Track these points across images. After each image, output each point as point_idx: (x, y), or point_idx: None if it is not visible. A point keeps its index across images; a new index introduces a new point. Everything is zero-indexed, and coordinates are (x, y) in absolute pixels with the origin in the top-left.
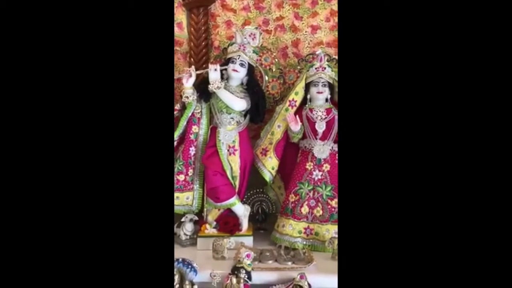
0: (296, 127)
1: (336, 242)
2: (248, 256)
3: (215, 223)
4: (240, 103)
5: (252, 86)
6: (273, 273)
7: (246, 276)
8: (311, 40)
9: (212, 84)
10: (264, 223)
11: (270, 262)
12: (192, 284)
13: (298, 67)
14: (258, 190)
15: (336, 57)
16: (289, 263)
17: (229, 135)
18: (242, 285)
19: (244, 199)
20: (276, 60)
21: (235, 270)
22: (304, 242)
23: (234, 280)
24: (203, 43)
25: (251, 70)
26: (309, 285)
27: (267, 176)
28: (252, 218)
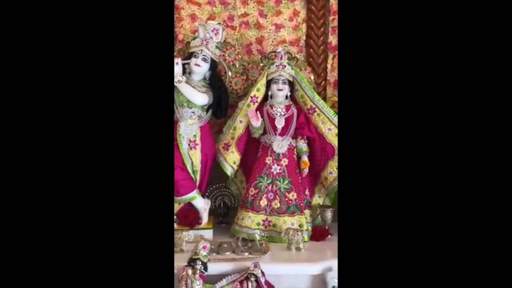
0: (256, 122)
1: (291, 232)
2: (204, 247)
3: (175, 217)
4: (201, 97)
5: (214, 81)
6: (229, 264)
7: (202, 267)
8: (274, 38)
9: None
10: (226, 217)
11: (228, 253)
12: None
13: (261, 64)
14: (220, 184)
15: (298, 56)
16: (246, 253)
17: (190, 129)
18: (198, 275)
19: (207, 194)
20: (240, 56)
21: (191, 262)
22: (262, 234)
23: (190, 271)
24: None
25: (214, 65)
26: (262, 273)
27: (229, 171)
28: (214, 212)
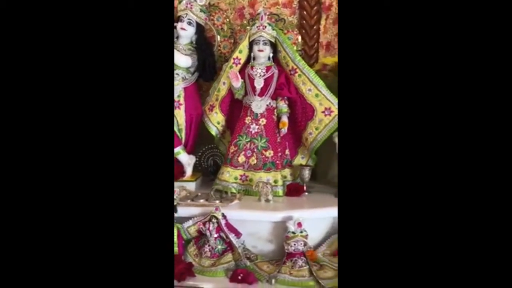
0: (237, 83)
1: (260, 185)
2: (175, 192)
3: None
4: (183, 60)
5: (200, 44)
6: (199, 209)
7: None
8: (267, 1)
9: None
10: (216, 174)
11: (202, 201)
12: None
13: (248, 27)
14: (211, 145)
15: (287, 18)
16: (217, 201)
17: (174, 90)
18: None
19: (199, 154)
20: (228, 20)
21: None
22: (239, 187)
23: None
24: None
25: (200, 28)
26: (223, 216)
27: (213, 130)
28: (206, 170)
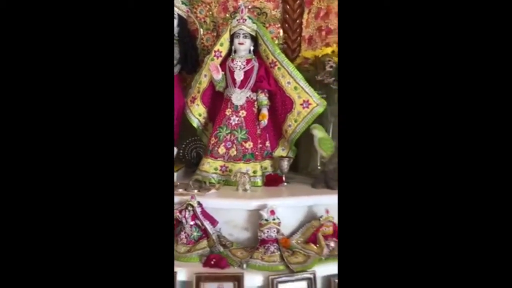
0: (217, 75)
1: (238, 175)
2: None
3: None
4: None
5: (182, 37)
6: (177, 197)
7: None
8: None
9: None
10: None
11: (181, 190)
12: None
13: (230, 20)
14: (195, 138)
15: (269, 11)
16: (195, 191)
17: None
18: None
19: (183, 145)
20: (211, 13)
21: None
22: (219, 178)
23: None
24: None
25: (182, 21)
26: (199, 204)
27: (195, 122)
28: (189, 161)
